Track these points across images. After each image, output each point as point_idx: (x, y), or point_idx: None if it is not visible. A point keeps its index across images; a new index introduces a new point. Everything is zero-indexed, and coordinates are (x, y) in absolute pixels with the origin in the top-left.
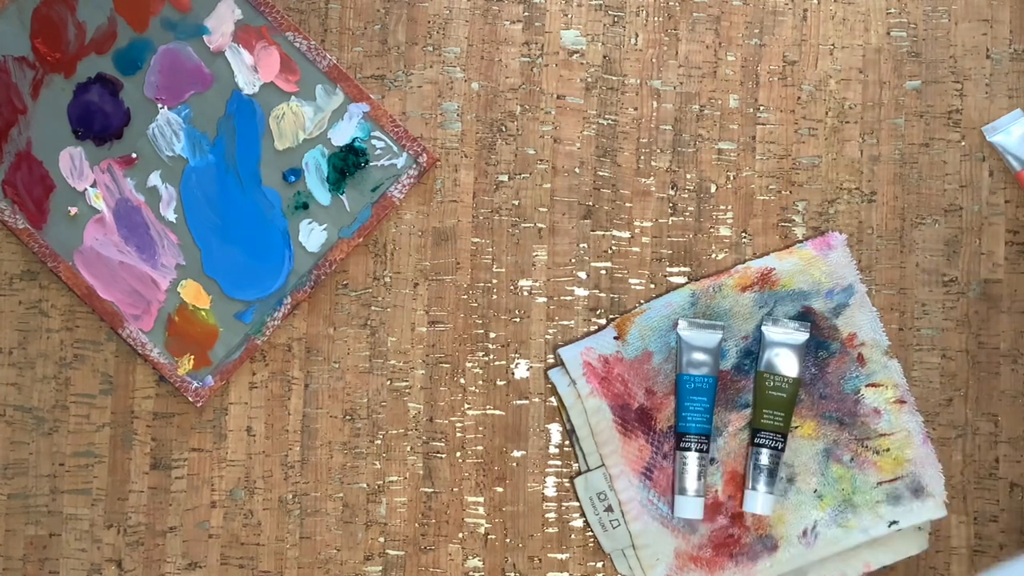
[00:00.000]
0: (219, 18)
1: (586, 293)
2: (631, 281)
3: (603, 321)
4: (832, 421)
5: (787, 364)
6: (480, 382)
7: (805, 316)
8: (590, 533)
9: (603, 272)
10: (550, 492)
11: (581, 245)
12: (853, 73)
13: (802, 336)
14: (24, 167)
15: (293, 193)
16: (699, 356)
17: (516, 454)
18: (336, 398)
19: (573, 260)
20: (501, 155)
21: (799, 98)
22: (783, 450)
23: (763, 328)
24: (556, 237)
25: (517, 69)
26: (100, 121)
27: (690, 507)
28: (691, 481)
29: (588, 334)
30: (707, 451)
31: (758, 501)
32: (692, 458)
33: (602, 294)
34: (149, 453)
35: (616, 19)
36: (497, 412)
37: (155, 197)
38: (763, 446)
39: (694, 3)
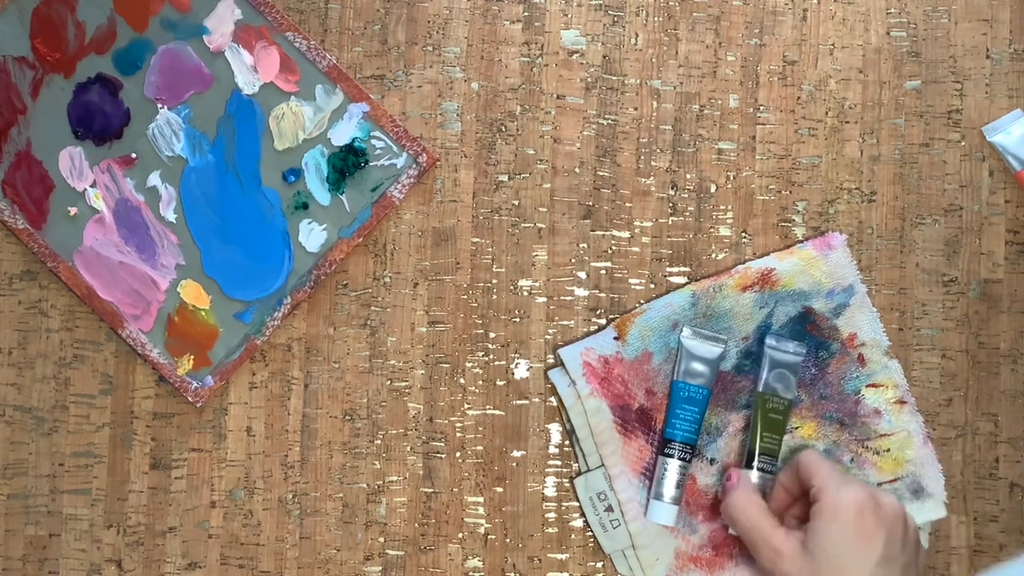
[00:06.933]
0: (219, 18)
1: (586, 293)
2: (631, 281)
3: (603, 321)
4: (833, 422)
5: (786, 385)
6: (480, 382)
7: (806, 316)
8: (590, 533)
9: (603, 272)
10: (550, 492)
11: (581, 245)
12: (853, 73)
13: (799, 357)
14: (24, 167)
15: (293, 193)
16: (697, 366)
17: (516, 454)
18: (336, 398)
19: (573, 260)
20: (501, 155)
21: (799, 98)
22: (775, 473)
23: (766, 346)
24: (556, 237)
25: (517, 69)
26: (100, 121)
27: (664, 513)
28: (669, 488)
29: (588, 334)
30: (689, 461)
31: None
32: (673, 465)
33: (602, 294)
34: (149, 453)
35: (616, 19)
36: (497, 412)
37: (155, 197)
38: (761, 470)
39: (694, 3)
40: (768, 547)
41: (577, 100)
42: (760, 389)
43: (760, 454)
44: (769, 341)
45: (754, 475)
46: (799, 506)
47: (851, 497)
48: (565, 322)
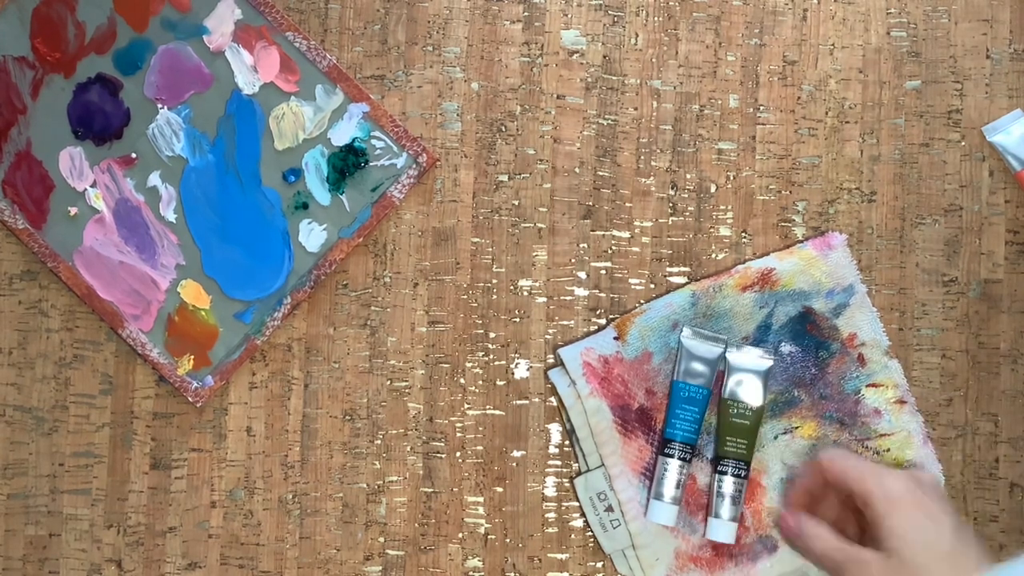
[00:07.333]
0: (219, 18)
1: (586, 293)
2: (631, 281)
3: (603, 321)
4: (833, 422)
5: (751, 392)
6: (480, 382)
7: (806, 316)
8: (590, 533)
9: (603, 272)
10: (550, 492)
11: (581, 245)
12: (853, 73)
13: (766, 363)
14: (24, 167)
15: (293, 193)
16: (697, 366)
17: (516, 454)
18: (336, 398)
19: (573, 260)
20: (501, 155)
21: (799, 98)
22: (747, 477)
23: (727, 355)
24: (556, 237)
25: (517, 69)
26: (100, 121)
27: (664, 513)
28: (669, 488)
29: (588, 334)
30: (689, 461)
31: (721, 529)
32: (673, 465)
33: (602, 294)
34: (149, 453)
35: (616, 19)
36: (497, 412)
37: (155, 197)
38: (726, 473)
39: (694, 3)
40: (853, 563)
41: (577, 100)
42: (724, 396)
43: (726, 459)
44: (730, 350)
45: (728, 481)
46: (828, 507)
47: (899, 489)
48: (565, 322)
